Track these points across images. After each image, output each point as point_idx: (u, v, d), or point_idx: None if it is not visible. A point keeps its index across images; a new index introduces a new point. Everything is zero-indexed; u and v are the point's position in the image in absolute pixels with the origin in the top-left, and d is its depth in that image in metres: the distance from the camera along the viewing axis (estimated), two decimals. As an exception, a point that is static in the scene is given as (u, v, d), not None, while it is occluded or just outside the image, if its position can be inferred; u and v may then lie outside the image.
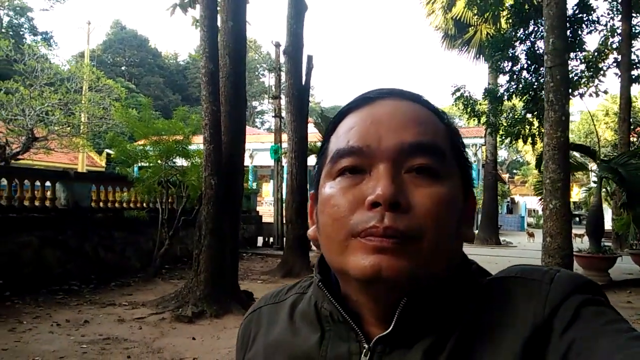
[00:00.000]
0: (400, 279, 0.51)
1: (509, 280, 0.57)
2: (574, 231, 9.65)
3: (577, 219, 29.37)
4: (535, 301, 0.52)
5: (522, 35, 11.43)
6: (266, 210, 20.32)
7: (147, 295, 7.64)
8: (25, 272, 7.56)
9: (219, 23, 7.16)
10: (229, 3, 7.11)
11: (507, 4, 12.56)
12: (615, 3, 12.54)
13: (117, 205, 10.15)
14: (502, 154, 44.41)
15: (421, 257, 0.52)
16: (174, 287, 7.80)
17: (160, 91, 46.43)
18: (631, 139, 14.86)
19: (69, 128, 15.97)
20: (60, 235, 8.29)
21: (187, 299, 6.56)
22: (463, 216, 0.58)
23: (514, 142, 12.92)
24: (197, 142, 9.55)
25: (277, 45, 14.82)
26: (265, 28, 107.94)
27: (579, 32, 10.65)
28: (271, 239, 14.55)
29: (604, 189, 12.46)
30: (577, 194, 26.82)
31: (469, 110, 13.17)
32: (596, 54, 10.97)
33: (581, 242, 14.63)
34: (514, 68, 11.67)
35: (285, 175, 11.82)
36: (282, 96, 13.85)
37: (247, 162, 8.20)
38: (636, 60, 12.34)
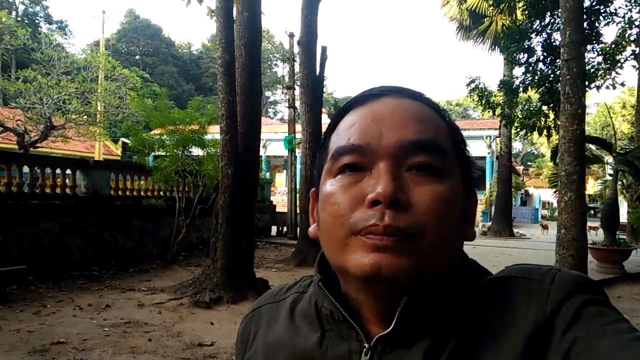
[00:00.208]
0: (400, 277, 0.51)
1: (509, 280, 0.57)
2: (588, 224, 9.62)
3: (592, 211, 29.10)
4: (536, 301, 0.52)
5: (538, 27, 11.28)
6: (279, 200, 20.45)
7: (165, 281, 7.81)
8: (48, 257, 7.76)
9: (234, 14, 7.18)
10: (245, -6, 7.14)
11: (523, -5, 12.40)
12: (633, -6, 12.32)
13: (135, 193, 10.34)
14: (517, 145, 43.94)
15: (421, 256, 0.51)
16: (191, 274, 7.97)
17: (174, 80, 46.58)
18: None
19: (86, 117, 16.19)
20: (80, 222, 8.49)
21: (204, 285, 6.70)
22: (464, 215, 0.58)
23: (529, 134, 12.80)
24: (212, 132, 9.66)
25: (291, 35, 14.80)
26: (277, 17, 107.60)
27: (596, 24, 10.48)
28: (285, 229, 14.69)
29: (619, 182, 12.38)
30: (592, 186, 26.56)
31: (483, 101, 13.07)
32: (613, 46, 10.80)
33: (596, 235, 14.54)
34: (530, 60, 11.53)
35: (299, 166, 11.90)
36: (296, 87, 13.87)
37: (260, 152, 8.28)
38: (654, 52, 12.14)
